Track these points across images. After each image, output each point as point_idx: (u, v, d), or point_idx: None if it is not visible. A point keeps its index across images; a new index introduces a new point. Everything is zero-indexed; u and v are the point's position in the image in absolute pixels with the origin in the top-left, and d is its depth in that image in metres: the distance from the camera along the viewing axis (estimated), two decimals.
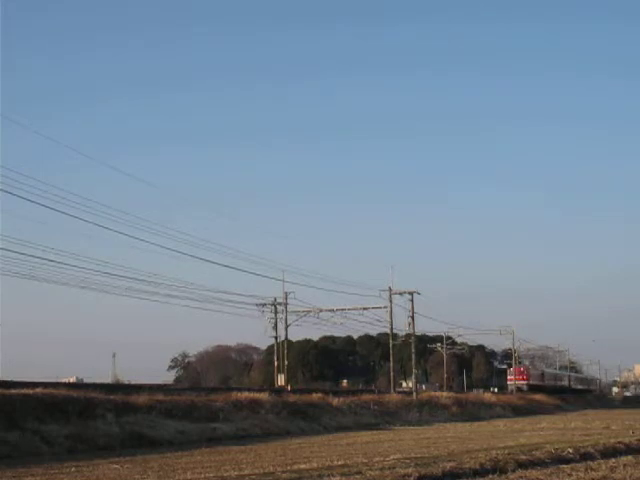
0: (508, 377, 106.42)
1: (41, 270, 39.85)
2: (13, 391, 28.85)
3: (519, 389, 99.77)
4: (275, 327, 65.33)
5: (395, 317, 65.95)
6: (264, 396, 41.76)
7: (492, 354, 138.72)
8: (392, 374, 68.18)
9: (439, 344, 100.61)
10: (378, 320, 66.00)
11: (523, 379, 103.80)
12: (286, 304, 63.88)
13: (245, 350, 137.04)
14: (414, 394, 63.80)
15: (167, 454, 25.05)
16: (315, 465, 19.59)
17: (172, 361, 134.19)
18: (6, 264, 37.56)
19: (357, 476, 16.62)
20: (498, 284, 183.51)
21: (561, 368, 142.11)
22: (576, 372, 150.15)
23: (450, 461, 19.16)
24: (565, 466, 19.19)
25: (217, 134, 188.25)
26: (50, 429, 27.40)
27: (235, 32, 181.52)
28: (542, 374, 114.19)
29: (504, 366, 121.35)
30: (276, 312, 64.27)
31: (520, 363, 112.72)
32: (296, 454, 24.24)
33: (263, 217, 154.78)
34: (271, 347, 79.75)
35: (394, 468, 17.87)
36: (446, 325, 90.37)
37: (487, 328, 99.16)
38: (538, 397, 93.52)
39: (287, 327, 65.29)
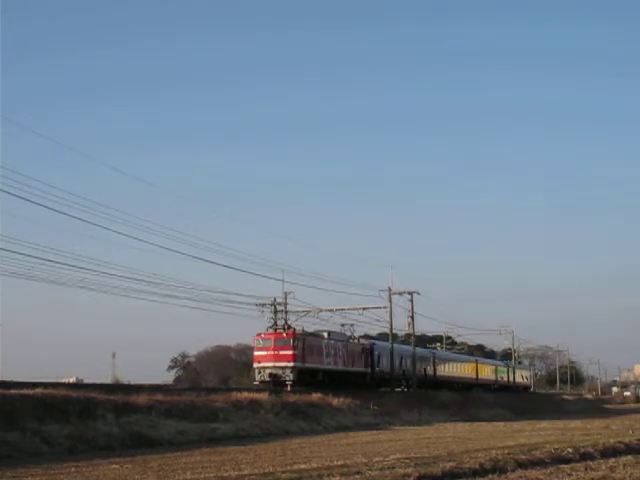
0: (255, 354, 51.89)
1: (40, 270, 39.75)
2: (13, 391, 28.88)
3: (276, 380, 49.13)
4: (275, 327, 65.25)
5: (395, 317, 65.43)
6: (264, 396, 41.74)
7: (492, 354, 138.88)
8: (392, 374, 68.00)
9: (439, 344, 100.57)
10: (378, 320, 65.69)
11: (282, 359, 49.79)
12: (286, 304, 63.83)
13: (245, 350, 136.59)
14: (414, 394, 63.78)
15: (167, 454, 25.08)
16: (315, 465, 19.62)
17: (172, 361, 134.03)
18: (5, 264, 37.52)
19: (357, 476, 16.66)
20: (498, 284, 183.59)
21: (561, 367, 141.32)
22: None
23: (450, 461, 19.19)
24: (565, 466, 19.24)
25: (217, 134, 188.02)
26: (50, 429, 27.41)
27: (235, 32, 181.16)
28: (364, 351, 59.94)
29: None
30: (276, 312, 64.18)
31: (520, 363, 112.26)
32: (296, 454, 24.27)
33: (263, 217, 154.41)
34: None
35: (394, 468, 17.90)
36: (446, 325, 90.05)
37: (487, 328, 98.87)
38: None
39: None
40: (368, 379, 59.65)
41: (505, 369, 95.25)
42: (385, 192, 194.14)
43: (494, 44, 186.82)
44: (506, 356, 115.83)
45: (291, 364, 49.47)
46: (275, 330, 51.62)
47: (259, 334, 51.22)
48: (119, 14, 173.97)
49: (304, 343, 51.22)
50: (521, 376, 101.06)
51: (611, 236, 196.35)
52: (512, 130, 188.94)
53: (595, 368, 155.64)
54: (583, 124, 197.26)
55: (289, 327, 52.10)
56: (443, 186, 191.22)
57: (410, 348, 68.13)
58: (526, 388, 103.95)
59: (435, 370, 73.33)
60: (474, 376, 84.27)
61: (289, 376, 49.36)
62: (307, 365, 50.94)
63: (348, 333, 59.77)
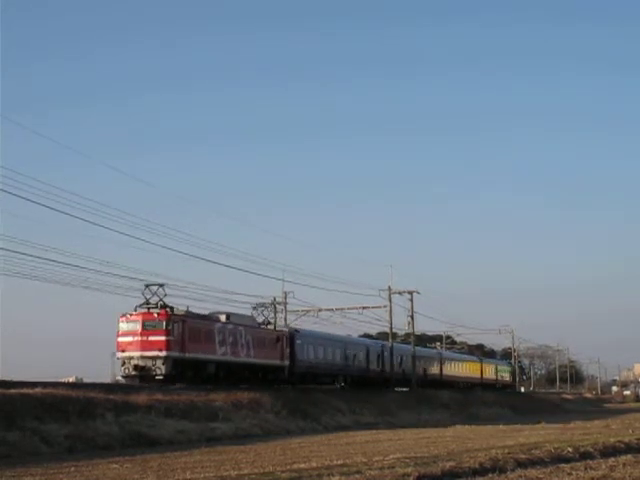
0: (118, 340, 40.04)
1: (41, 270, 39.70)
2: (13, 391, 28.87)
3: (144, 374, 39.31)
4: (274, 327, 65.30)
5: (395, 316, 65.56)
6: (264, 396, 41.76)
7: (492, 353, 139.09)
8: (392, 373, 68.02)
9: (438, 343, 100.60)
10: (377, 319, 65.83)
11: (151, 346, 39.13)
12: (285, 304, 63.92)
13: None
14: (414, 393, 63.80)
15: (166, 454, 25.05)
16: (315, 465, 19.60)
17: None
18: (6, 264, 37.48)
19: (357, 475, 16.64)
20: (498, 284, 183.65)
21: (561, 367, 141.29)
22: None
23: (449, 460, 19.19)
24: (565, 465, 19.23)
25: (217, 134, 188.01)
26: (50, 429, 27.40)
27: (235, 32, 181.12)
28: (280, 339, 50.02)
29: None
30: (275, 312, 64.26)
31: (520, 363, 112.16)
32: (296, 454, 24.25)
33: (263, 217, 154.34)
34: None
35: (393, 467, 17.89)
36: (446, 324, 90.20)
37: (487, 328, 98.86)
38: None
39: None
40: (286, 373, 49.47)
41: (478, 365, 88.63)
42: (385, 192, 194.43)
43: (494, 44, 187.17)
44: (506, 355, 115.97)
45: (163, 353, 38.81)
46: (148, 309, 40.00)
47: (124, 315, 39.84)
48: (119, 14, 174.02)
49: (184, 327, 39.96)
50: (496, 373, 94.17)
51: (611, 236, 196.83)
52: (512, 130, 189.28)
53: (595, 367, 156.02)
54: (583, 124, 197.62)
55: (164, 305, 40.11)
56: (443, 186, 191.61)
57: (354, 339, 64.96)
58: (505, 386, 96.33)
59: (383, 365, 65.60)
60: (438, 373, 77.08)
61: (160, 368, 38.83)
62: (188, 355, 40.32)
63: (261, 318, 51.52)
